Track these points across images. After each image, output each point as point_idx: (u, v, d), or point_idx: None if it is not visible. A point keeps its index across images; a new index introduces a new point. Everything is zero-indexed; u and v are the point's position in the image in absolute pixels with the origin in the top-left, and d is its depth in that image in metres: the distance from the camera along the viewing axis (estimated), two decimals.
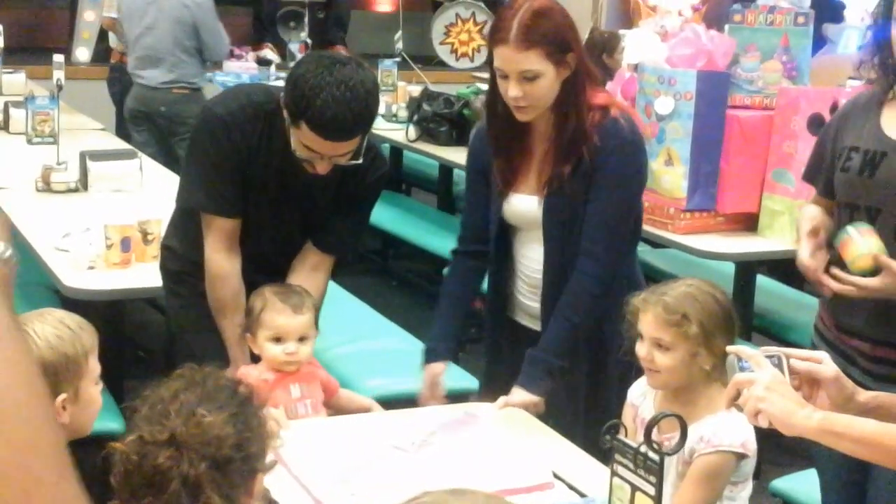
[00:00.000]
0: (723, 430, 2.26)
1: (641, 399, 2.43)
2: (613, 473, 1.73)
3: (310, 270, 2.80)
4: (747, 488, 2.37)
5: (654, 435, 2.32)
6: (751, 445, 2.28)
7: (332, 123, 2.48)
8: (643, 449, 1.65)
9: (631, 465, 1.68)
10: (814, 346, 2.49)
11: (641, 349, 2.32)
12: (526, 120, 2.58)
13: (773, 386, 1.79)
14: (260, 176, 2.70)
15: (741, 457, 2.28)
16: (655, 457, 1.63)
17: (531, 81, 2.50)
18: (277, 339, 2.58)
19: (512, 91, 2.50)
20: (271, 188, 2.72)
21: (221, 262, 2.71)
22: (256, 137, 2.66)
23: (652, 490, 1.63)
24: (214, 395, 1.68)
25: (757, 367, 1.83)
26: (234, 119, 2.66)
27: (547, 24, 2.50)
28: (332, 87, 2.47)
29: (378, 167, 2.80)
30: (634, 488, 1.69)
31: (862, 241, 2.26)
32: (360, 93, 2.50)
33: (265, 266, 2.78)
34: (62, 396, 1.91)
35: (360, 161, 2.62)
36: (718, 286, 2.41)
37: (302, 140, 2.55)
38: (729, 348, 1.96)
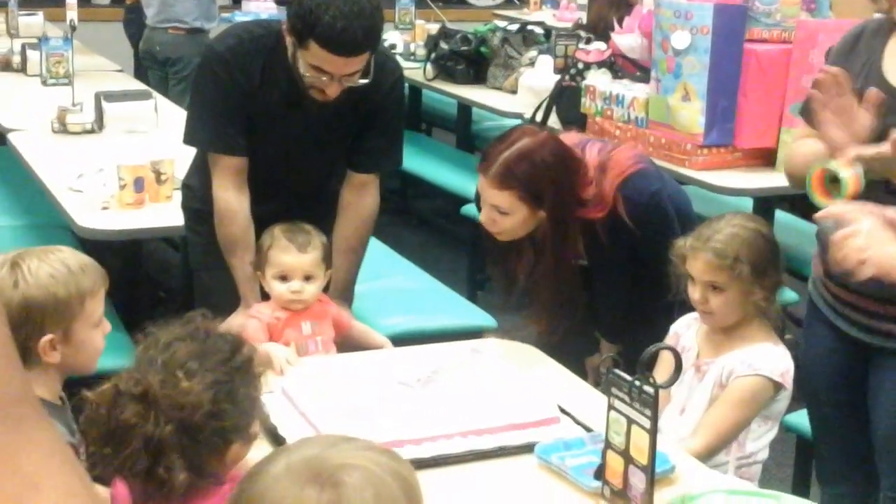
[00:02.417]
0: (767, 357, 2.29)
1: (685, 329, 2.46)
2: (610, 407, 1.73)
3: (356, 191, 2.83)
4: (773, 430, 2.39)
5: (694, 360, 2.35)
6: (789, 379, 2.31)
7: (343, 37, 2.47)
8: (638, 382, 1.64)
9: (627, 399, 1.67)
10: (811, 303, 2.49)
11: (695, 293, 2.34)
12: (501, 240, 2.65)
13: (875, 233, 1.79)
14: (267, 111, 2.68)
15: (778, 388, 2.29)
16: (650, 390, 1.62)
17: (501, 214, 2.56)
18: (283, 278, 2.58)
19: (482, 216, 2.61)
20: (280, 123, 2.70)
21: (229, 199, 2.71)
22: (258, 71, 2.65)
23: (647, 423, 1.63)
24: (207, 355, 1.65)
25: (854, 221, 1.83)
26: (233, 55, 2.65)
27: (526, 169, 2.51)
28: (338, 1, 2.47)
29: (388, 74, 2.77)
30: (630, 421, 1.68)
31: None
32: (366, 7, 2.50)
33: (300, 205, 2.78)
34: (48, 336, 1.90)
35: (369, 80, 2.61)
36: (760, 219, 2.42)
37: (311, 61, 2.53)
38: (818, 215, 1.96)
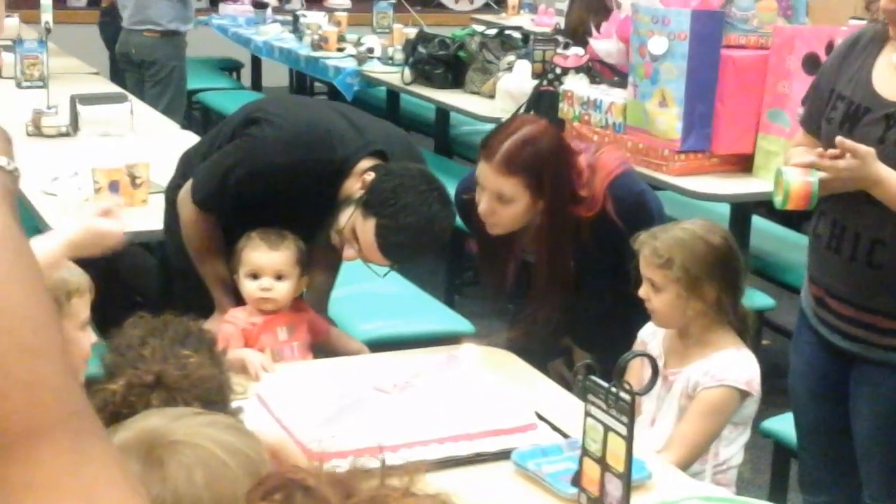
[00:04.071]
0: (731, 367, 2.28)
1: (651, 337, 2.46)
2: (587, 414, 1.72)
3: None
4: (745, 434, 2.38)
5: (661, 370, 2.35)
6: (755, 385, 2.30)
7: (399, 248, 2.50)
8: (614, 389, 1.64)
9: (603, 406, 1.67)
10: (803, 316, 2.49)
11: (642, 288, 2.34)
12: (495, 234, 2.61)
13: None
14: (286, 209, 2.64)
15: (745, 395, 2.29)
16: (627, 397, 1.62)
17: (503, 203, 2.53)
18: (254, 276, 2.57)
19: (482, 206, 2.56)
20: (296, 217, 2.67)
21: (197, 212, 2.69)
22: (299, 190, 2.58)
23: (624, 430, 1.63)
24: (184, 339, 1.66)
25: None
26: (285, 174, 2.56)
27: (530, 155, 2.50)
28: (421, 216, 2.47)
29: None
30: (607, 428, 1.68)
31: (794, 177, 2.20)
32: (437, 236, 2.54)
33: None
34: None
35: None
36: (720, 229, 2.40)
37: (357, 229, 2.51)
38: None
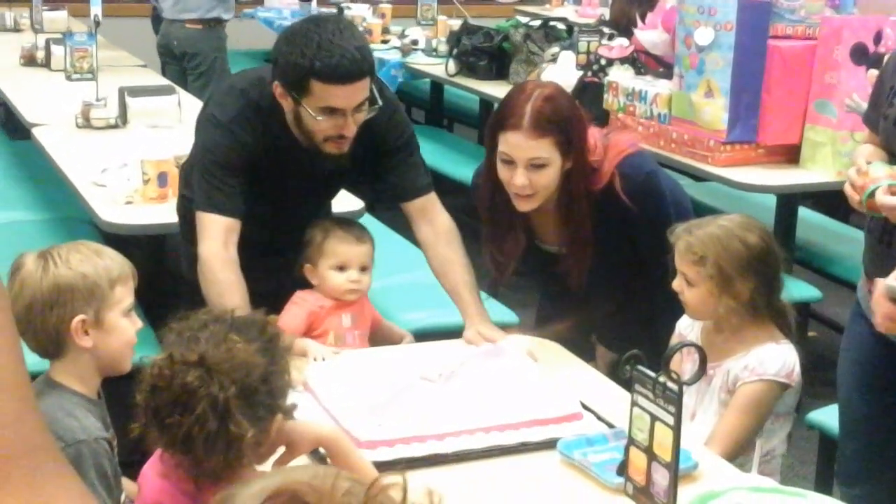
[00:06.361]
0: (769, 360, 2.27)
1: (689, 329, 2.45)
2: (633, 404, 1.73)
3: (423, 217, 2.77)
4: (788, 424, 2.38)
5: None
6: (795, 376, 2.29)
7: (343, 64, 2.42)
8: (662, 379, 1.64)
9: (650, 396, 1.67)
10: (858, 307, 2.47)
11: (675, 280, 2.34)
12: (527, 209, 2.57)
13: None
14: (274, 173, 2.64)
15: (785, 387, 2.28)
16: (674, 387, 1.62)
17: (538, 170, 2.49)
18: (340, 268, 2.61)
19: (518, 179, 2.49)
20: (288, 178, 2.67)
21: (217, 249, 2.54)
22: (261, 135, 2.59)
23: (671, 420, 1.63)
24: (244, 328, 1.69)
25: None
26: (236, 120, 2.57)
27: (558, 113, 2.49)
28: (326, 34, 2.44)
29: (398, 125, 2.72)
30: (654, 418, 1.68)
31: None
32: (353, 32, 2.51)
33: (289, 236, 2.73)
34: (80, 317, 1.92)
35: (380, 104, 2.55)
36: (758, 227, 2.38)
37: (318, 104, 2.46)
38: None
